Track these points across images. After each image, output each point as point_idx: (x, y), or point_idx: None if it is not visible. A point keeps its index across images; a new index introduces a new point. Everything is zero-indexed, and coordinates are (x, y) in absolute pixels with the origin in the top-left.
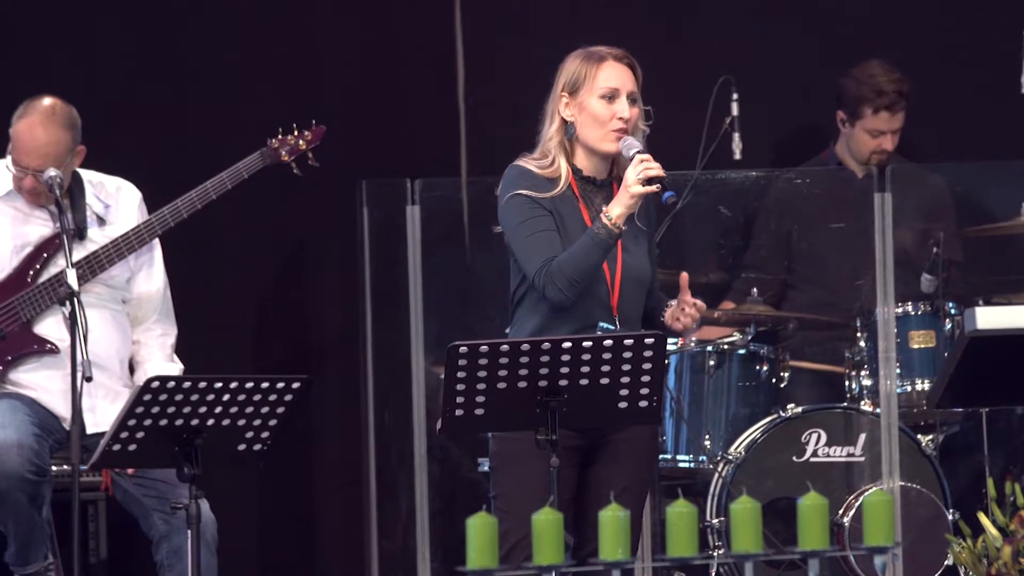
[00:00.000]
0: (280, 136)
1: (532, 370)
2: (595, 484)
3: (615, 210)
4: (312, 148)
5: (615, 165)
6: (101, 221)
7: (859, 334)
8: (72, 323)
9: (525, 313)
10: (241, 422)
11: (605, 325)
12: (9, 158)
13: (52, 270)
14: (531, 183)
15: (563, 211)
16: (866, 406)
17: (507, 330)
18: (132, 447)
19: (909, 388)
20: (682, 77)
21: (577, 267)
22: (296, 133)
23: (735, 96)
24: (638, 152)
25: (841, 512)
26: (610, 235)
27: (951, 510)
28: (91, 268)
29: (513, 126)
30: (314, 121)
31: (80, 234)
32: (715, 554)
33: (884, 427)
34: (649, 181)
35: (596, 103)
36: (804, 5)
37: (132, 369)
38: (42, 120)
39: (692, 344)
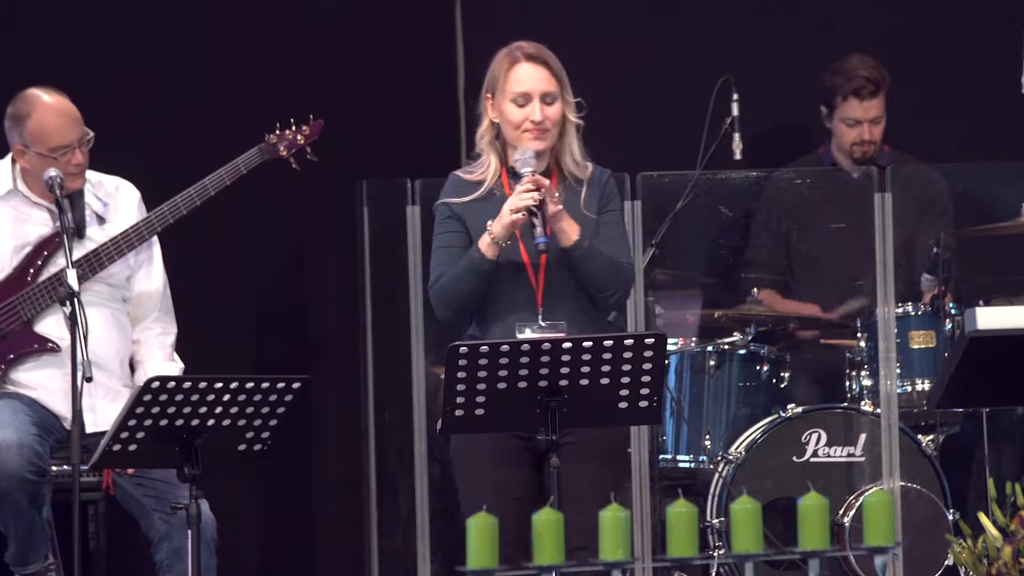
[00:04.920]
0: (278, 131)
1: (532, 370)
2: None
3: (486, 236)
4: (310, 143)
5: (549, 156)
6: (100, 220)
7: (859, 334)
8: (72, 323)
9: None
10: (241, 422)
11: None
12: (27, 157)
13: (52, 269)
14: (457, 191)
15: (490, 211)
16: (866, 406)
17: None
18: (132, 447)
19: (909, 388)
20: (682, 77)
21: (452, 292)
22: (294, 128)
23: (735, 96)
24: (527, 177)
25: (841, 512)
26: (482, 260)
27: (951, 510)
28: (91, 266)
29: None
30: (312, 116)
31: (79, 232)
32: (715, 554)
33: (884, 427)
34: (530, 211)
35: (509, 107)
36: (803, 5)
37: (132, 368)
38: (52, 95)
39: (692, 344)
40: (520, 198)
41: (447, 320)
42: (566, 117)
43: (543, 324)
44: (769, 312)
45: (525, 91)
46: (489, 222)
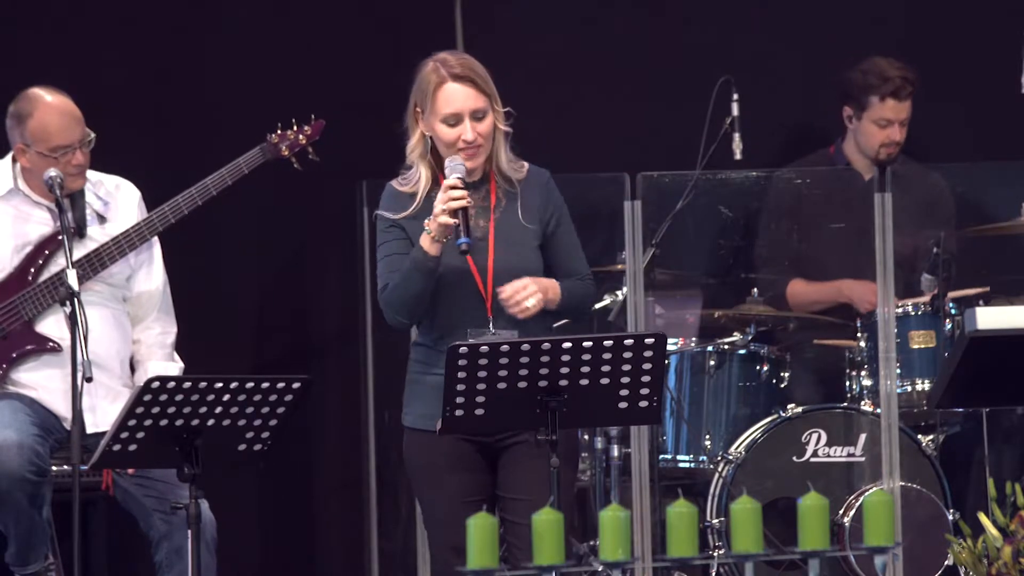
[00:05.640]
0: (280, 131)
1: (532, 370)
2: (508, 489)
3: (425, 235)
4: (312, 143)
5: (489, 162)
6: (101, 219)
7: (859, 334)
8: (72, 323)
9: (422, 328)
10: (241, 422)
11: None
12: (28, 156)
13: (53, 268)
14: (392, 203)
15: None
16: (866, 406)
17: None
18: (132, 447)
19: (909, 388)
20: (682, 77)
21: (401, 294)
22: (296, 128)
23: (735, 96)
24: (451, 179)
25: (841, 512)
26: (426, 257)
27: (951, 510)
28: (92, 266)
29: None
30: (313, 115)
31: (80, 232)
32: (715, 554)
33: (884, 427)
34: (453, 213)
35: (440, 127)
36: (804, 5)
37: (132, 368)
38: (54, 95)
39: (692, 344)
40: (448, 197)
41: (399, 324)
42: (495, 126)
43: (493, 332)
44: (769, 312)
45: (455, 111)
46: (427, 220)
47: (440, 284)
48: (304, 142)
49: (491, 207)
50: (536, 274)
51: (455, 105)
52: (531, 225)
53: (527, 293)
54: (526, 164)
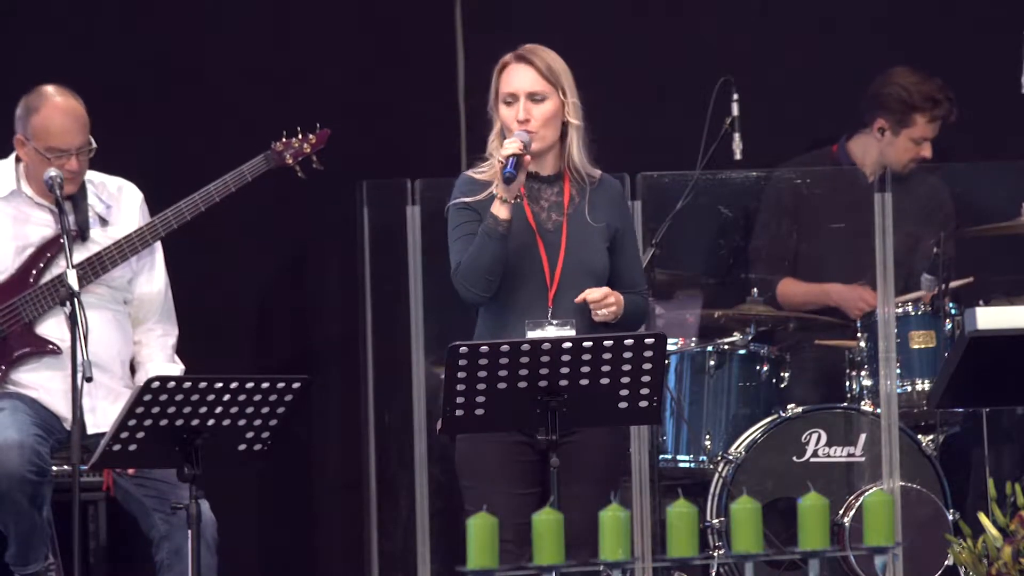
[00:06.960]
0: (284, 139)
1: (532, 370)
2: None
3: (496, 201)
4: (317, 152)
5: (560, 159)
6: (103, 221)
7: (859, 334)
8: (72, 324)
9: (481, 313)
10: (241, 422)
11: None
12: (26, 150)
13: (54, 271)
14: (468, 189)
15: None
16: (866, 406)
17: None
18: (132, 447)
19: (909, 388)
20: (682, 77)
21: (475, 264)
22: (300, 136)
23: (735, 96)
24: (511, 138)
25: (841, 512)
26: (496, 223)
27: (951, 510)
28: (93, 269)
29: None
30: (318, 124)
31: (82, 235)
32: (715, 554)
33: (884, 427)
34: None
35: (502, 108)
36: (803, 5)
37: (133, 370)
38: (64, 97)
39: (692, 344)
40: (506, 147)
41: (475, 299)
42: (567, 120)
43: (553, 323)
44: (769, 312)
45: (512, 91)
46: (494, 186)
47: (506, 269)
48: (309, 151)
49: (564, 203)
50: (603, 272)
51: (512, 85)
52: (598, 224)
53: (606, 303)
54: (598, 172)
